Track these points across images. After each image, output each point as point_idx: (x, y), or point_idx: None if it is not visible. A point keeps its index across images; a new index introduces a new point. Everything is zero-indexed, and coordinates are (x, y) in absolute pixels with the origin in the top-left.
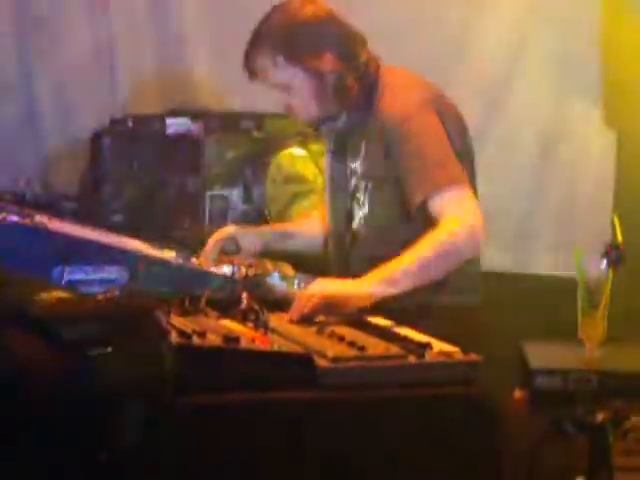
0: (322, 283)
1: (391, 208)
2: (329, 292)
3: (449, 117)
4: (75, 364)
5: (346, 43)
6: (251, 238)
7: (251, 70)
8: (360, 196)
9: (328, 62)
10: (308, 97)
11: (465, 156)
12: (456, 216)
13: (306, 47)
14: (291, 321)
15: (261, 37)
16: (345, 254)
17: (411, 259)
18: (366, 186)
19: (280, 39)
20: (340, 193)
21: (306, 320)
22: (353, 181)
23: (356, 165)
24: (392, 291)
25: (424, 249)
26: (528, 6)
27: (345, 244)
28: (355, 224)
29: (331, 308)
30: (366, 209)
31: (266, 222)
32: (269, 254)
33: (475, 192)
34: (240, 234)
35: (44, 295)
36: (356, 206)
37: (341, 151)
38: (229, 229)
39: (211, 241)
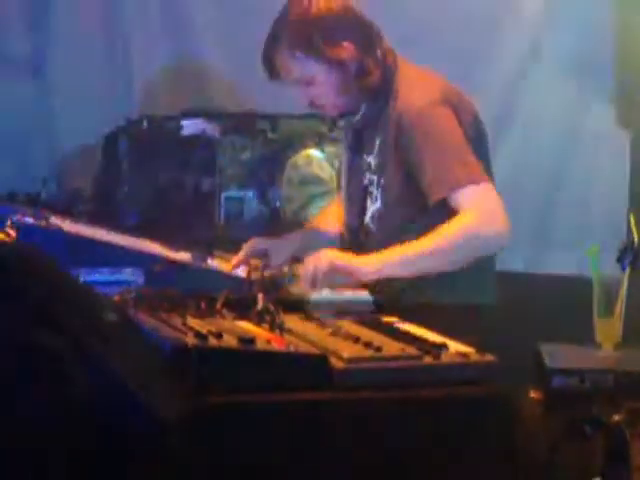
0: (329, 252)
1: (404, 203)
2: (337, 262)
3: (465, 113)
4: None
5: (364, 33)
6: (280, 249)
7: (271, 69)
8: (373, 190)
9: (348, 51)
10: (331, 87)
11: (481, 154)
12: (478, 210)
13: (325, 38)
14: (305, 287)
15: (278, 34)
16: (358, 249)
17: (424, 245)
18: (379, 181)
19: (298, 33)
20: (355, 188)
21: (320, 285)
22: (367, 175)
23: (371, 159)
24: (398, 273)
25: (439, 238)
26: (543, 7)
27: (359, 239)
28: (368, 219)
29: (337, 276)
30: (379, 204)
31: (281, 224)
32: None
33: (493, 179)
34: (270, 246)
35: None
36: (369, 201)
37: (358, 146)
38: (260, 242)
39: (242, 254)
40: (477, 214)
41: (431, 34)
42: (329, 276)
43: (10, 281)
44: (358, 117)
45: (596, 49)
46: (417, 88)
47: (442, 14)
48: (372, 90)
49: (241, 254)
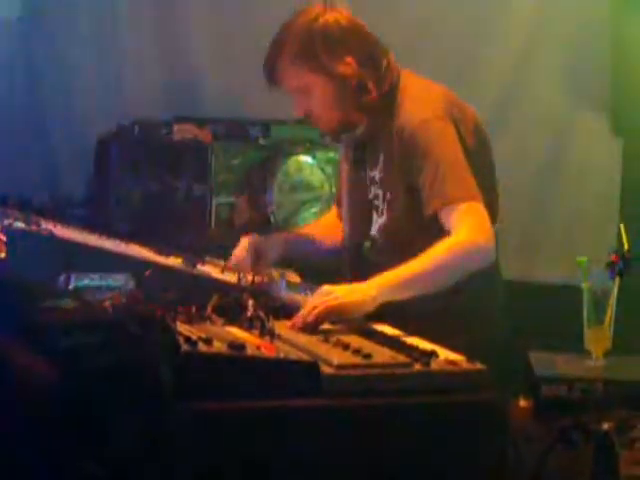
0: (326, 292)
1: (409, 217)
2: (333, 302)
3: (466, 124)
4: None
5: (367, 49)
6: (272, 246)
7: (271, 77)
8: (379, 204)
9: (349, 66)
10: (329, 101)
11: (483, 161)
12: (466, 230)
13: (327, 51)
14: (294, 329)
15: (282, 42)
16: (362, 263)
17: (419, 266)
18: (385, 195)
19: (301, 43)
20: (359, 202)
21: (310, 329)
22: (373, 190)
23: (375, 174)
24: (395, 297)
25: (428, 260)
26: (536, 14)
27: (363, 253)
28: (374, 232)
29: (335, 315)
30: (385, 218)
31: (272, 229)
32: (287, 262)
33: (496, 190)
34: (261, 243)
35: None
36: (375, 215)
37: (360, 160)
38: (251, 239)
39: (239, 251)
40: (468, 231)
41: (426, 36)
42: (326, 316)
43: None
44: (358, 133)
45: (590, 57)
46: (419, 103)
47: (439, 17)
48: (370, 107)
49: (239, 253)
